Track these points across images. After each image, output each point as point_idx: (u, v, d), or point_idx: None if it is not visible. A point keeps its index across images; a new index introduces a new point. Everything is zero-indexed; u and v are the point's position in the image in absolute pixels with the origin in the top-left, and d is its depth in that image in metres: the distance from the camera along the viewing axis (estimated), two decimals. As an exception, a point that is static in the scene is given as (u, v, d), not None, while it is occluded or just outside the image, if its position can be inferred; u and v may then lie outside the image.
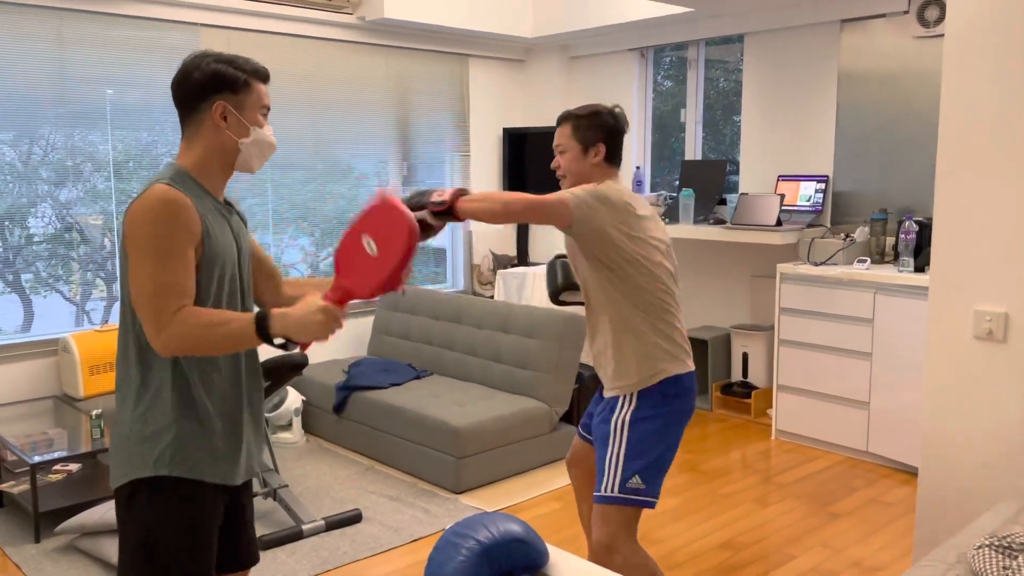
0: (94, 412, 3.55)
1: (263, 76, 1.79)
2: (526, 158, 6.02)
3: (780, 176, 4.89)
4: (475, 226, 6.04)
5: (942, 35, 4.17)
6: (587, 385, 4.34)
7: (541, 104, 6.19)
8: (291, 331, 1.62)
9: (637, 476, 2.32)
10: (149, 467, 1.67)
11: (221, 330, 1.60)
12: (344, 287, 1.67)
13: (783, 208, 4.72)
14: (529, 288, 5.23)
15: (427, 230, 2.14)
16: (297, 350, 1.76)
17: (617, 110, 2.47)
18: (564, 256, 2.77)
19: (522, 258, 6.15)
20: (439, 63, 5.71)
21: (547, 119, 6.13)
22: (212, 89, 1.70)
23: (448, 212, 2.14)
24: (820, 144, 4.78)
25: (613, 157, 2.46)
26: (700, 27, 5.19)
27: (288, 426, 4.51)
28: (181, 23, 4.53)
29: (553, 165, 2.51)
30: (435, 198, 2.14)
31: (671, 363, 2.35)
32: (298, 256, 5.22)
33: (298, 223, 5.15)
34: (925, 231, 4.03)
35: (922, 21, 4.30)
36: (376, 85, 5.32)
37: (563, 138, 2.46)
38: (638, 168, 5.67)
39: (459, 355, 4.54)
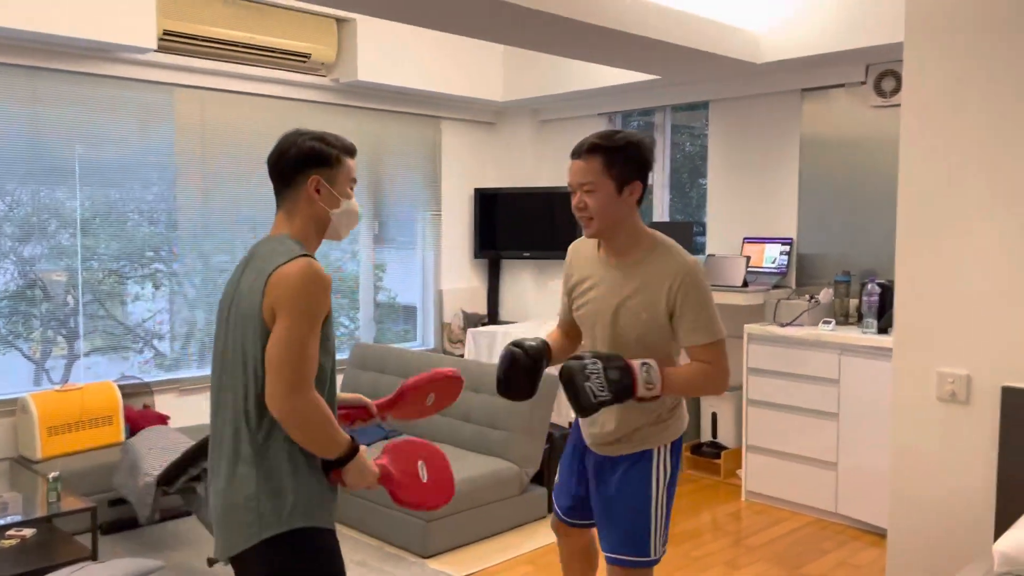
0: (51, 475, 3.45)
1: (351, 152, 1.92)
2: (497, 218, 6.08)
3: (746, 238, 4.99)
4: (445, 284, 6.06)
5: (898, 105, 4.33)
6: (557, 446, 4.32)
7: (512, 165, 6.28)
8: (354, 478, 1.80)
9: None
10: (282, 522, 1.73)
11: (329, 431, 1.74)
12: (394, 479, 1.87)
13: (749, 270, 4.80)
14: (500, 346, 5.23)
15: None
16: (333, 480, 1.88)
17: (648, 140, 2.17)
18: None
19: (492, 317, 6.16)
20: (412, 125, 5.80)
21: (518, 180, 6.22)
22: (308, 164, 1.84)
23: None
24: (784, 207, 4.90)
25: (643, 197, 2.17)
26: (666, 94, 5.33)
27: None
28: (156, 83, 4.56)
29: (577, 204, 2.14)
30: (644, 393, 2.04)
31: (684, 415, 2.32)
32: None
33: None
34: (888, 293, 4.11)
35: (879, 91, 4.46)
36: (348, 145, 5.36)
37: (592, 174, 2.10)
38: (607, 229, 5.74)
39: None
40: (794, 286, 4.81)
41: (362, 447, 1.82)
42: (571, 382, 2.03)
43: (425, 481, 1.88)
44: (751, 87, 4.95)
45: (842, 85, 4.62)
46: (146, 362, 4.69)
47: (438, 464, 1.91)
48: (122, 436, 4.17)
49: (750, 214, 5.05)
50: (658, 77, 4.93)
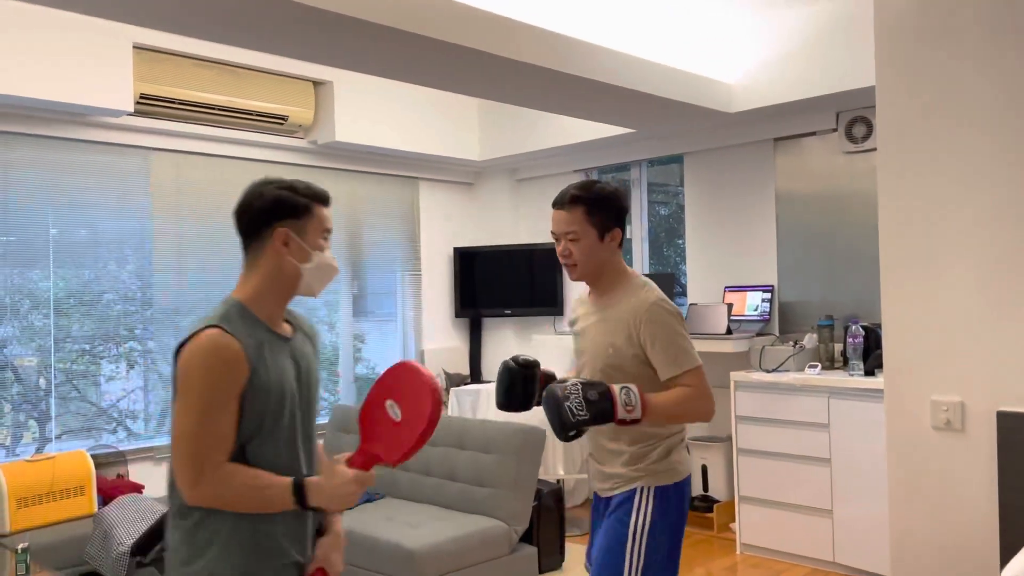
0: (20, 546, 3.29)
1: (324, 200, 1.77)
2: (477, 277, 6.06)
3: (727, 287, 4.99)
4: (427, 344, 5.99)
5: (870, 150, 4.41)
6: (546, 502, 4.20)
7: (490, 224, 6.30)
8: (325, 502, 1.66)
9: None
10: None
11: (260, 493, 1.63)
12: (371, 453, 1.70)
13: (732, 318, 4.79)
14: (483, 405, 5.15)
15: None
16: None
17: (622, 189, 2.31)
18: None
19: (475, 375, 6.08)
20: (390, 186, 5.81)
21: (496, 239, 6.22)
22: (274, 216, 1.71)
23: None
24: (763, 255, 4.92)
25: (623, 241, 2.30)
26: (641, 148, 5.40)
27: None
28: (131, 147, 4.55)
29: (562, 252, 2.24)
30: (624, 415, 2.04)
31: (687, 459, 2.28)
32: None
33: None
34: (871, 335, 4.11)
35: (850, 138, 4.55)
36: (327, 207, 5.36)
37: (575, 223, 2.20)
38: (588, 284, 5.74)
39: (413, 475, 4.38)
40: (777, 332, 4.80)
41: (311, 479, 1.67)
42: (551, 401, 2.06)
43: (399, 420, 1.68)
44: (724, 138, 5.03)
45: (813, 133, 4.70)
46: (119, 442, 4.55)
47: (405, 387, 1.70)
48: (94, 507, 4.01)
49: (730, 263, 5.07)
50: (632, 130, 5.00)
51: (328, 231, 1.79)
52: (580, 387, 2.05)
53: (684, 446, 2.30)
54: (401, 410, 1.69)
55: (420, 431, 1.66)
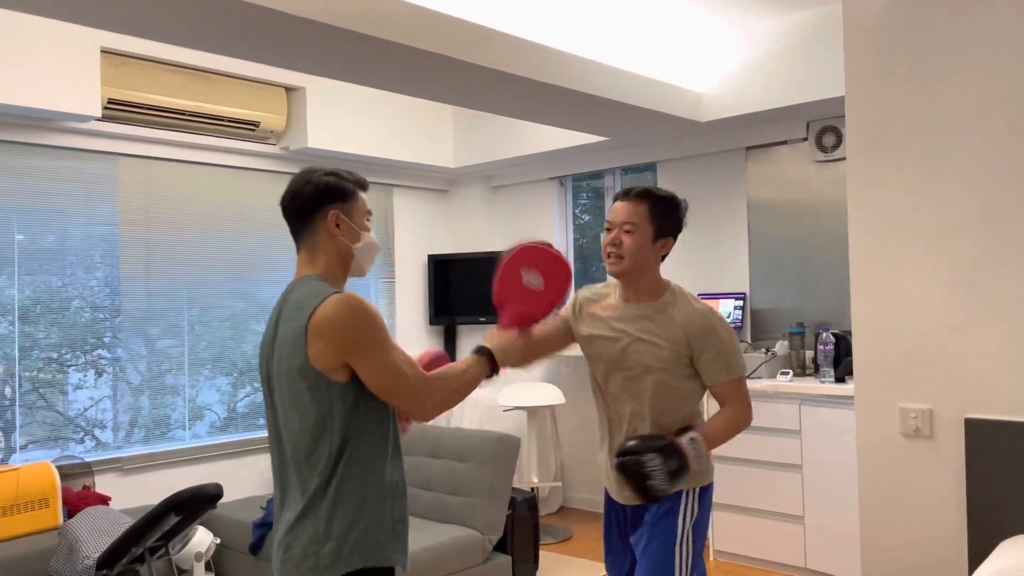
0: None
1: (364, 185, 1.92)
2: (451, 284, 6.04)
3: (700, 294, 5.02)
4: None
5: (839, 159, 4.46)
6: (520, 511, 4.19)
7: (465, 232, 6.29)
8: (506, 358, 1.93)
9: None
10: (341, 565, 1.73)
11: (464, 380, 1.86)
12: (521, 311, 1.92)
13: (705, 325, 4.80)
14: (458, 414, 5.12)
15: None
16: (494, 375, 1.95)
17: (686, 205, 2.30)
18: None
19: (449, 385, 6.05)
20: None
21: (471, 246, 6.21)
22: (325, 200, 1.83)
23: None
24: (735, 263, 4.96)
25: (667, 255, 2.28)
26: (615, 156, 5.42)
27: (188, 572, 4.17)
28: (99, 152, 4.48)
29: (612, 240, 2.22)
30: (695, 467, 2.12)
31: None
32: (214, 397, 4.99)
33: (214, 363, 4.95)
34: (842, 342, 4.15)
35: (820, 147, 4.59)
36: (299, 214, 5.30)
37: (637, 216, 2.20)
38: (562, 291, 5.75)
39: (386, 485, 4.34)
40: (750, 340, 4.83)
41: (487, 345, 1.94)
42: (636, 480, 2.09)
43: (542, 288, 1.90)
44: (697, 147, 5.06)
45: (784, 142, 4.75)
46: (87, 452, 4.47)
47: (542, 259, 1.93)
48: (60, 519, 3.93)
49: (702, 271, 5.10)
50: (606, 139, 5.02)
51: (370, 213, 1.92)
52: (659, 460, 2.07)
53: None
54: (541, 278, 1.91)
55: (559, 297, 1.92)
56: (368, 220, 1.90)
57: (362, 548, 1.75)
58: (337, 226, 1.83)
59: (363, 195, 1.90)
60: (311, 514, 1.74)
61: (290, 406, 1.76)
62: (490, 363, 1.90)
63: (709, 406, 4.50)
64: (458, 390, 1.83)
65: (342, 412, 1.73)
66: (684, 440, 2.11)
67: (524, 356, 1.85)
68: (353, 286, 5.67)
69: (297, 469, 1.77)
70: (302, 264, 1.86)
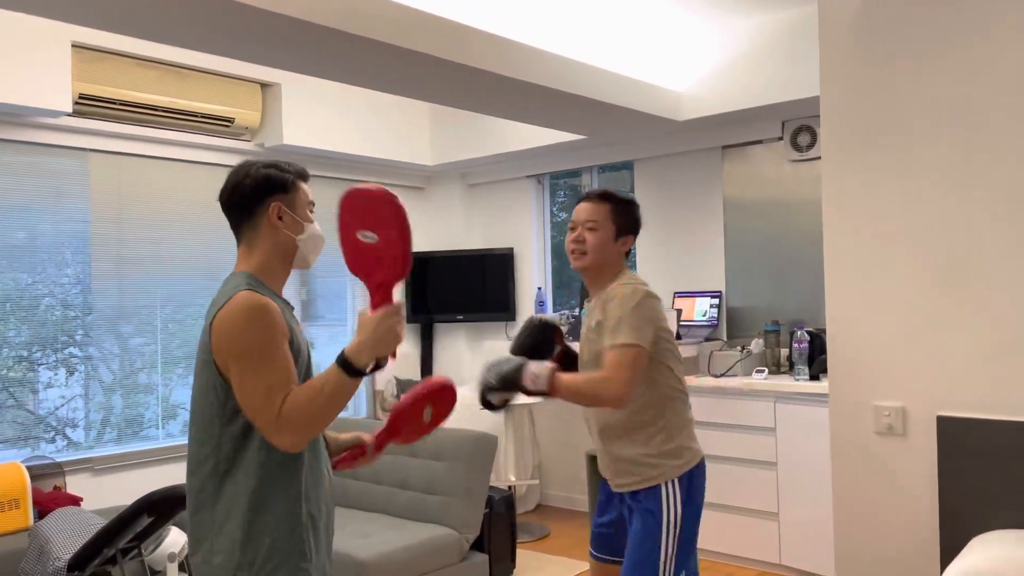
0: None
1: (305, 176, 1.89)
2: (429, 282, 6.02)
3: (676, 292, 5.04)
4: (377, 351, 5.92)
5: (814, 158, 4.50)
6: (497, 510, 4.18)
7: (442, 229, 6.27)
8: (376, 351, 1.68)
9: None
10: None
11: (323, 396, 1.64)
12: (379, 282, 1.75)
13: (681, 323, 4.83)
14: (434, 412, 5.09)
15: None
16: (388, 364, 1.77)
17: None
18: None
19: (426, 383, 6.03)
20: (339, 190, 5.73)
21: (448, 243, 6.19)
22: (266, 192, 1.79)
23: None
24: (712, 261, 4.98)
25: (629, 253, 2.43)
26: (592, 154, 5.43)
27: (162, 574, 4.12)
28: (70, 148, 4.41)
29: (576, 237, 2.36)
30: (529, 385, 2.17)
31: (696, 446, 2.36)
32: (188, 396, 4.93)
33: (188, 362, 4.90)
34: (816, 340, 4.18)
35: (795, 146, 4.63)
36: (275, 211, 5.26)
37: (600, 215, 2.34)
38: (540, 289, 5.75)
39: (363, 484, 4.32)
40: (725, 338, 4.86)
41: (346, 347, 1.70)
42: (480, 374, 2.27)
43: (377, 242, 1.77)
44: (673, 145, 5.08)
45: (760, 141, 4.78)
46: (58, 451, 4.40)
47: (368, 216, 1.79)
48: (30, 520, 3.87)
49: (679, 269, 5.12)
50: (584, 137, 5.02)
51: (312, 204, 1.88)
52: (499, 361, 2.23)
53: (688, 432, 2.36)
54: (375, 234, 1.75)
55: (400, 245, 1.73)
56: (311, 211, 1.87)
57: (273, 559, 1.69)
58: (280, 218, 1.80)
59: (304, 186, 1.87)
60: (211, 517, 1.71)
61: (195, 403, 1.74)
62: (345, 366, 1.67)
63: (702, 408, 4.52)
64: (316, 407, 1.64)
65: (224, 419, 1.68)
66: (533, 364, 2.20)
67: (399, 336, 1.72)
68: (333, 283, 5.66)
69: (194, 470, 1.75)
70: (240, 258, 1.82)
